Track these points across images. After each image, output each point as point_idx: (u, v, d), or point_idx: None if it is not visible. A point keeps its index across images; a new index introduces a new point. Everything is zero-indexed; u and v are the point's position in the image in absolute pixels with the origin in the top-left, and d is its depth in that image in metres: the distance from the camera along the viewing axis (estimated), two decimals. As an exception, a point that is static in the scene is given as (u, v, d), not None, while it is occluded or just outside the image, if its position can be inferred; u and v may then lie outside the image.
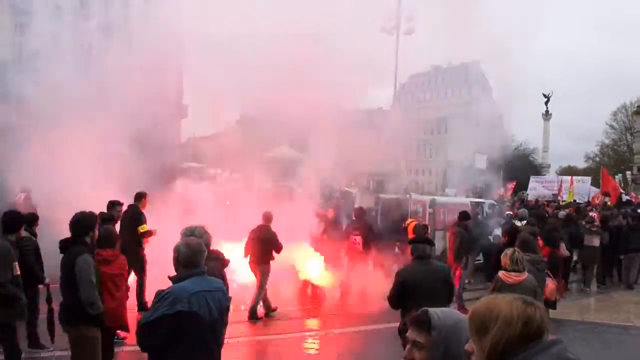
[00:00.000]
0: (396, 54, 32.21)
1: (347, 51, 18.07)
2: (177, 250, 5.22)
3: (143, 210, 12.30)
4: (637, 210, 24.35)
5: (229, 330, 5.73)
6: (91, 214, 7.61)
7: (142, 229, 11.88)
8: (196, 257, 5.25)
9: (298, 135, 20.19)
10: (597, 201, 28.08)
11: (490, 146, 29.24)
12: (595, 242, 17.74)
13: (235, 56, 17.55)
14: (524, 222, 16.66)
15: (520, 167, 49.43)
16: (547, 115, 60.95)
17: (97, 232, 7.48)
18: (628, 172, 56.88)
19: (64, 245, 7.21)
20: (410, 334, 2.82)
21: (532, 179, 39.38)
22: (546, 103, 61.09)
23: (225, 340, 5.51)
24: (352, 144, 18.49)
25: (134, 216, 12.03)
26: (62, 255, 7.22)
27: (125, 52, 17.00)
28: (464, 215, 15.14)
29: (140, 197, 12.49)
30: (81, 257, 6.97)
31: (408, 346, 2.83)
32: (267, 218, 13.12)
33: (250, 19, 18.34)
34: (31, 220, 9.69)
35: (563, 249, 15.41)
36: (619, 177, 46.68)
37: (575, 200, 30.20)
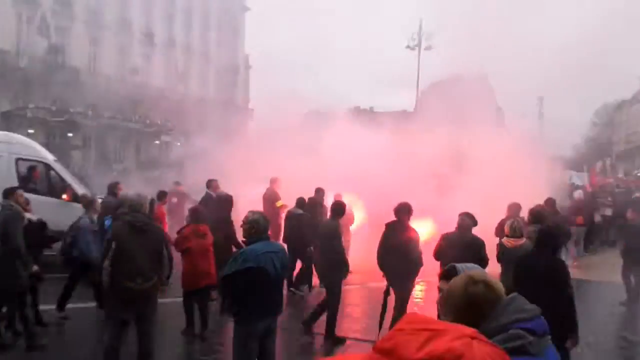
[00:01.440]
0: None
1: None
2: (256, 221, 5.25)
3: (277, 190, 12.95)
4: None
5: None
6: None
7: (279, 203, 12.57)
8: (267, 226, 5.34)
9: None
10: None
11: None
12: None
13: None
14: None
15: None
16: (540, 116, 58.74)
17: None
18: (608, 159, 55.17)
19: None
20: (441, 284, 2.84)
21: None
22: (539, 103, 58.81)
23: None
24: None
25: (272, 195, 12.92)
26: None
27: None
28: None
29: (274, 180, 13.23)
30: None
31: (440, 294, 2.85)
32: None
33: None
34: None
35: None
36: (600, 163, 45.33)
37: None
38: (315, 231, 9.12)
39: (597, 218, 17.67)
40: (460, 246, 7.15)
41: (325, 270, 8.47)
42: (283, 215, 12.09)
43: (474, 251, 7.31)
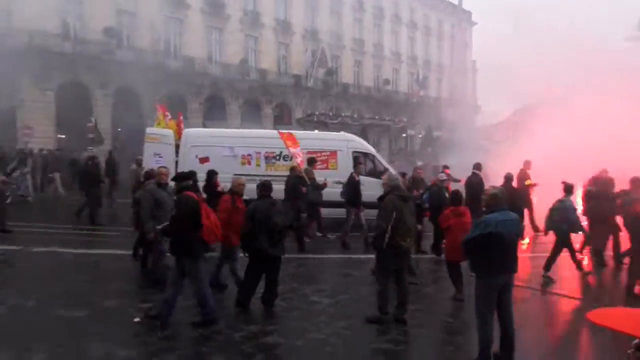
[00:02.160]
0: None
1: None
2: (495, 195, 4.93)
3: (528, 171, 11.89)
4: None
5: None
6: None
7: (527, 182, 11.69)
8: (503, 200, 4.94)
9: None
10: None
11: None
12: None
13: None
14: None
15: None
16: None
17: None
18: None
19: None
20: None
21: None
22: None
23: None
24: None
25: (523, 175, 11.91)
26: None
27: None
28: None
29: (526, 163, 12.07)
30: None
31: None
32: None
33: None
34: None
35: None
36: None
37: None
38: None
39: None
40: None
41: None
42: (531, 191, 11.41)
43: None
